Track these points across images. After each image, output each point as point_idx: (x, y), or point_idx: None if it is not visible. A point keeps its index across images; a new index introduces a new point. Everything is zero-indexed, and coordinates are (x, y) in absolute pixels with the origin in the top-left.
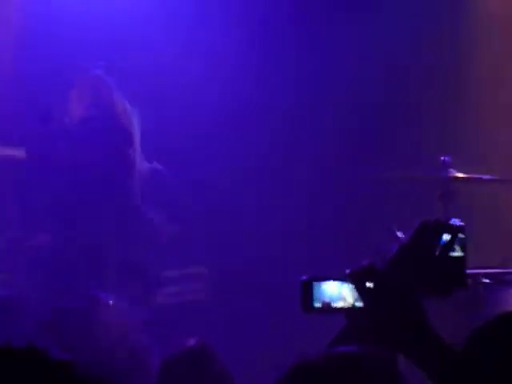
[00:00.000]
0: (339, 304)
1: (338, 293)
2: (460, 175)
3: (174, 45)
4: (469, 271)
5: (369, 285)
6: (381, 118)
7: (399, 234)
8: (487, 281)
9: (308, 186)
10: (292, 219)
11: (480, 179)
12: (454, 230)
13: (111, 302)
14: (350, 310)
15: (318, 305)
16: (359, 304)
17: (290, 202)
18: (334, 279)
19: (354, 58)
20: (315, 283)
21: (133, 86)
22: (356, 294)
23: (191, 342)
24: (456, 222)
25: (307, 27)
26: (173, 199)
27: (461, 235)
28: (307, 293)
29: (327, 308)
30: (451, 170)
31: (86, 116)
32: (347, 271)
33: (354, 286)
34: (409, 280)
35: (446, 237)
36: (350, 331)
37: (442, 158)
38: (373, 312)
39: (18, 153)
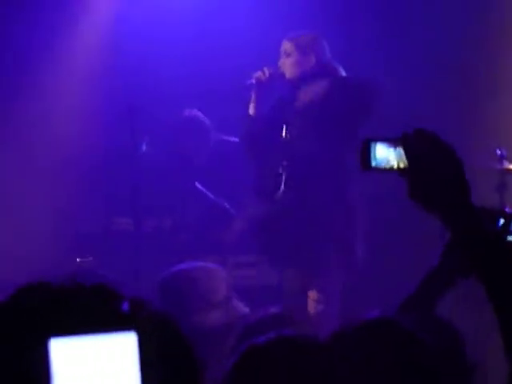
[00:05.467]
0: (391, 165)
1: (392, 154)
2: None
3: None
4: None
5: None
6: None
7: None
8: None
9: None
10: None
11: None
12: (508, 216)
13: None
14: (401, 171)
15: (374, 164)
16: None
17: None
18: (389, 141)
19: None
20: (372, 143)
21: None
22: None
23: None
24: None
25: None
26: None
27: None
28: (365, 152)
29: (381, 168)
30: (506, 162)
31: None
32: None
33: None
34: None
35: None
36: None
37: (498, 150)
38: (418, 173)
39: None
